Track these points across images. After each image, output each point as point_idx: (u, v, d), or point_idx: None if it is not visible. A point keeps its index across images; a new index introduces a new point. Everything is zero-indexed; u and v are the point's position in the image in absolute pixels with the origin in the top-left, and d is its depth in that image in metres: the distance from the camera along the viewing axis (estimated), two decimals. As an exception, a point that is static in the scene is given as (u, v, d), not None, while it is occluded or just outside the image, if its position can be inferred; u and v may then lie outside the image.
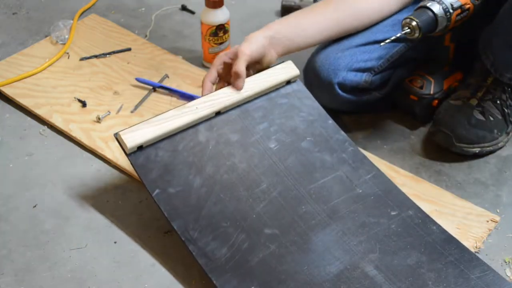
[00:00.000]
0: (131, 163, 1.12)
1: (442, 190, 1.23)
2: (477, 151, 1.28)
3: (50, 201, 1.22)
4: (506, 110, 1.30)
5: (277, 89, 1.25)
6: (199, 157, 1.15)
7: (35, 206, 1.21)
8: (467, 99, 1.29)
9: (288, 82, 1.26)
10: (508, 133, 1.32)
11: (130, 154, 1.11)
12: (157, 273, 1.09)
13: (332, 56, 1.30)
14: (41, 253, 1.13)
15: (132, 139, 1.10)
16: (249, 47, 1.20)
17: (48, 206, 1.21)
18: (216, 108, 1.19)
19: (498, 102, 1.29)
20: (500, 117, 1.29)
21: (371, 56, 1.31)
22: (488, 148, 1.29)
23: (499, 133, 1.30)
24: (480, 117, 1.28)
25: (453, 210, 1.18)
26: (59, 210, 1.20)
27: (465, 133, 1.27)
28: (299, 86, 1.27)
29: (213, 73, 1.21)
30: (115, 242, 1.15)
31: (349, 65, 1.29)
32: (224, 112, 1.20)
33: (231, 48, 1.25)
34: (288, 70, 1.25)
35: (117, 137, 1.12)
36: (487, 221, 1.16)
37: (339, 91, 1.30)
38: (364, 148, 1.30)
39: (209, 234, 1.07)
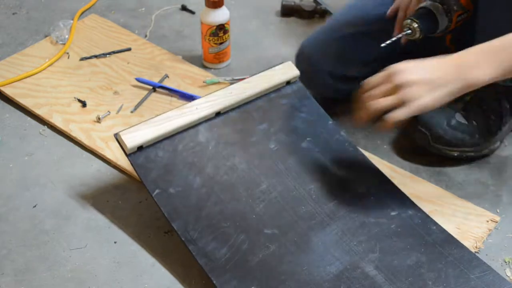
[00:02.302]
0: (131, 163, 1.12)
1: (442, 190, 1.23)
2: (455, 155, 1.27)
3: (50, 201, 1.22)
4: (492, 117, 1.27)
5: (277, 89, 1.25)
6: (199, 157, 1.15)
7: (35, 206, 1.21)
8: (454, 101, 1.29)
9: (288, 83, 1.26)
10: (494, 142, 1.28)
11: (130, 155, 1.12)
12: (157, 273, 1.09)
13: (323, 45, 1.30)
14: (41, 253, 1.13)
15: (132, 139, 1.11)
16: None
17: (48, 206, 1.21)
18: (216, 108, 1.19)
19: (485, 107, 1.28)
20: (484, 123, 1.27)
21: (364, 49, 1.31)
22: (469, 153, 1.27)
23: (482, 139, 1.27)
24: (462, 120, 1.27)
25: (453, 210, 1.18)
26: (59, 210, 1.20)
27: (442, 133, 1.25)
28: (299, 86, 1.27)
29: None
30: (115, 242, 1.15)
31: (341, 55, 1.29)
32: (224, 113, 1.20)
33: None
34: (288, 70, 1.26)
35: (117, 138, 1.12)
36: (487, 221, 1.16)
37: (331, 80, 1.30)
38: (364, 148, 1.30)
39: (209, 235, 1.07)
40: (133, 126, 1.13)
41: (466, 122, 1.27)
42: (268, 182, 1.15)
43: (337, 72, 1.30)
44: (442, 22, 1.21)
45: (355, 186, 1.16)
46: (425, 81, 1.00)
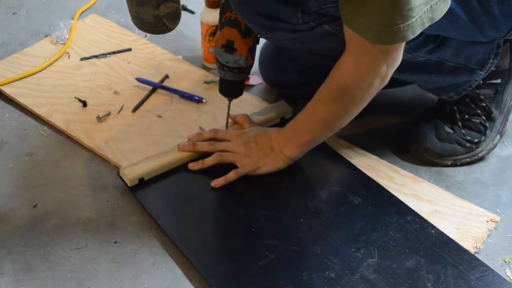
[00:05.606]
0: (134, 195, 1.19)
1: (442, 190, 1.23)
2: (449, 163, 1.28)
3: (50, 201, 1.22)
4: (476, 121, 1.27)
5: (272, 126, 1.31)
6: (199, 185, 1.21)
7: (35, 206, 1.21)
8: (440, 113, 1.30)
9: (282, 119, 1.34)
10: (487, 143, 1.28)
11: (133, 187, 1.19)
12: (157, 273, 1.10)
13: (262, 54, 1.41)
14: (41, 253, 1.13)
15: (134, 172, 1.19)
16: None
17: (48, 206, 1.21)
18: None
19: (467, 117, 1.27)
20: (470, 129, 1.27)
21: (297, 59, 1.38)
22: (464, 160, 1.28)
23: (474, 145, 1.27)
24: (449, 130, 1.27)
25: (453, 210, 1.18)
26: (59, 210, 1.20)
27: (431, 146, 1.26)
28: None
29: None
30: (115, 242, 1.15)
31: (275, 63, 1.40)
32: None
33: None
34: (282, 108, 1.34)
35: (119, 174, 1.20)
36: (487, 221, 1.16)
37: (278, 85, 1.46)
38: (364, 148, 1.30)
39: (210, 248, 1.12)
40: (134, 162, 1.22)
41: (453, 131, 1.27)
42: (267, 200, 1.19)
43: (277, 79, 1.39)
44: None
45: (352, 198, 1.18)
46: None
